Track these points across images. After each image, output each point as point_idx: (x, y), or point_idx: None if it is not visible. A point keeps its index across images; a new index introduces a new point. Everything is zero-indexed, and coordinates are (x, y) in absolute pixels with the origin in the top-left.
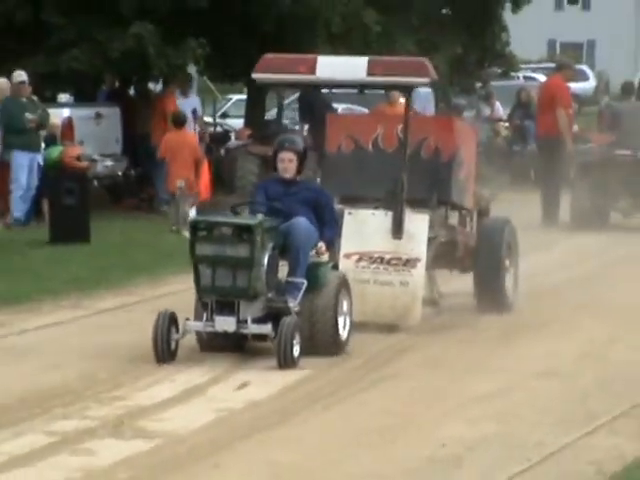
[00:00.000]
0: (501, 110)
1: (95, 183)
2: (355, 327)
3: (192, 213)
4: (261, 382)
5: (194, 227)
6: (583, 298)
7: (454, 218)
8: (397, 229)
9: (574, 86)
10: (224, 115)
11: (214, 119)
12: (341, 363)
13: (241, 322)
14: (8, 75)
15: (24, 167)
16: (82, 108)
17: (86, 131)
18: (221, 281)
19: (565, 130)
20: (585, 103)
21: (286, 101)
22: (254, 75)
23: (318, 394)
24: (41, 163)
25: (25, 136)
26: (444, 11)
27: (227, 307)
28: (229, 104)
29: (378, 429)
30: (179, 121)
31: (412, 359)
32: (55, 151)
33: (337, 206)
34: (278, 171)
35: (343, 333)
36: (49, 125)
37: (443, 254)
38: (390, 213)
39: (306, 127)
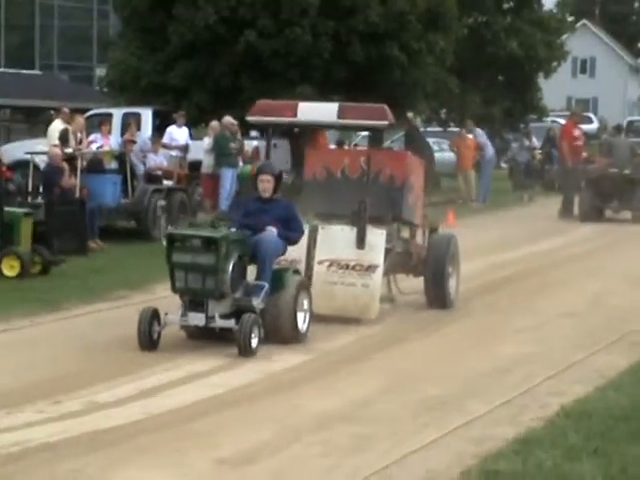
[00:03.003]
0: (536, 142)
1: None
2: None
3: (169, 227)
4: (382, 318)
5: (170, 239)
6: (589, 265)
7: (406, 232)
8: (360, 241)
9: (584, 127)
10: (355, 145)
11: (350, 148)
12: (430, 310)
13: (210, 318)
14: (218, 119)
15: (228, 178)
16: (264, 140)
17: None
18: (192, 284)
19: (566, 155)
20: (591, 138)
21: (397, 135)
22: (249, 117)
23: (418, 327)
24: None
25: (229, 158)
26: (500, 78)
27: (198, 305)
28: (359, 138)
29: (456, 349)
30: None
31: (474, 305)
32: (248, 168)
33: (313, 222)
34: (258, 190)
35: (303, 326)
36: (244, 151)
37: (400, 262)
38: (355, 228)
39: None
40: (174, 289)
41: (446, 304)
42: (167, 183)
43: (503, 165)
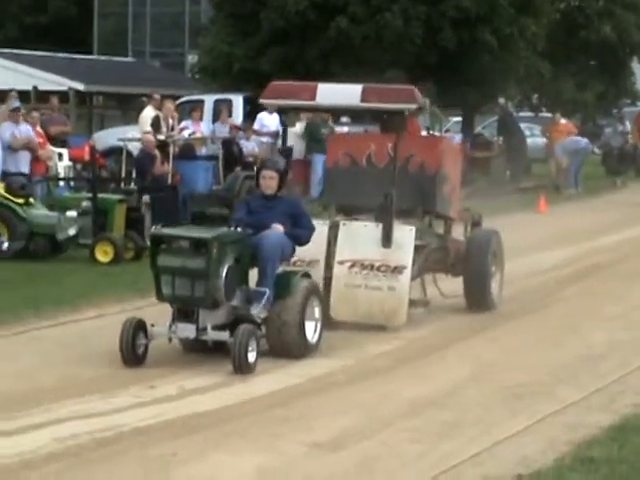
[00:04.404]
0: (630, 127)
1: None
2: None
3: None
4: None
5: (154, 239)
6: None
7: (441, 227)
8: (386, 239)
9: None
10: (447, 131)
11: (440, 134)
12: (520, 297)
13: (201, 329)
14: None
15: (320, 164)
16: (356, 125)
17: None
18: (181, 291)
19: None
20: None
21: (488, 121)
22: (262, 100)
23: (509, 314)
24: None
25: (320, 144)
26: (592, 62)
27: (188, 315)
28: (450, 124)
29: (547, 337)
30: None
31: (567, 292)
32: None
33: (334, 217)
34: (261, 187)
35: (313, 337)
36: None
37: (437, 260)
38: (380, 225)
39: (501, 138)
40: (159, 296)
41: (487, 306)
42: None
43: (596, 150)
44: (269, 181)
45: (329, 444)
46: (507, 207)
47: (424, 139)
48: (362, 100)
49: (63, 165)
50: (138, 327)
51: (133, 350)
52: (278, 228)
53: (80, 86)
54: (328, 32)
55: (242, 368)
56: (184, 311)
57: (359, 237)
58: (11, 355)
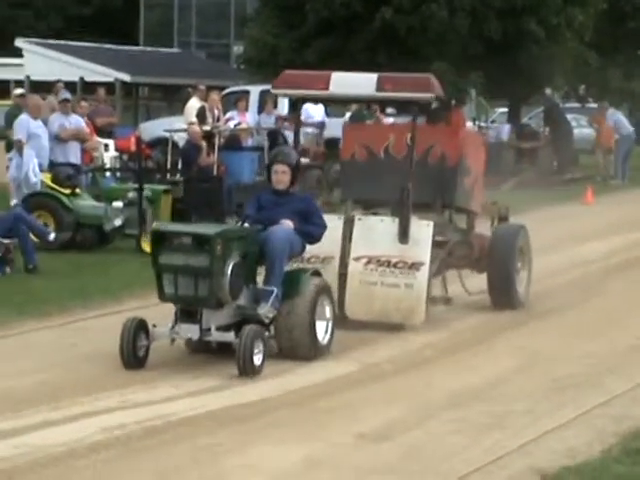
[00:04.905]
0: None
1: None
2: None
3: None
4: None
5: (156, 236)
6: None
7: (463, 221)
8: (403, 235)
9: None
10: (492, 122)
11: (487, 124)
12: (566, 288)
13: (205, 330)
14: None
15: None
16: (401, 117)
17: None
18: (183, 290)
19: None
20: None
21: (534, 112)
22: (273, 90)
23: (554, 305)
24: None
25: None
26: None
27: (191, 315)
28: (495, 114)
29: (592, 329)
30: None
31: (614, 282)
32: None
33: (350, 212)
34: (272, 182)
35: (324, 337)
36: None
37: (461, 256)
38: (397, 220)
39: (547, 129)
40: (162, 296)
41: (512, 304)
42: (303, 160)
43: None
44: (281, 176)
45: (375, 434)
46: (554, 198)
47: (445, 129)
48: (377, 89)
49: (109, 156)
50: (139, 328)
51: (134, 352)
52: (287, 224)
53: (126, 77)
54: (373, 23)
55: (247, 371)
56: (187, 311)
57: (375, 232)
58: (58, 346)
